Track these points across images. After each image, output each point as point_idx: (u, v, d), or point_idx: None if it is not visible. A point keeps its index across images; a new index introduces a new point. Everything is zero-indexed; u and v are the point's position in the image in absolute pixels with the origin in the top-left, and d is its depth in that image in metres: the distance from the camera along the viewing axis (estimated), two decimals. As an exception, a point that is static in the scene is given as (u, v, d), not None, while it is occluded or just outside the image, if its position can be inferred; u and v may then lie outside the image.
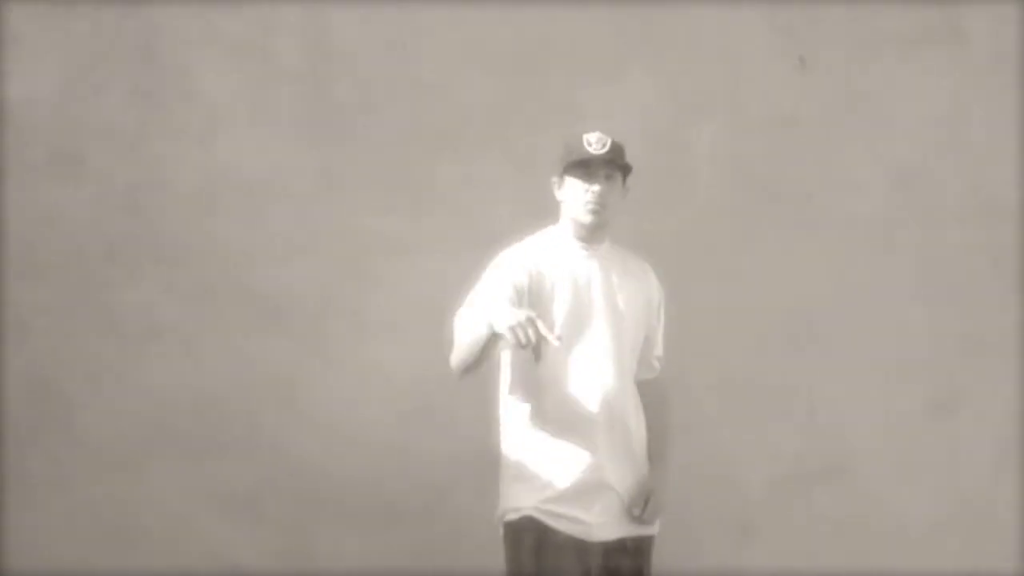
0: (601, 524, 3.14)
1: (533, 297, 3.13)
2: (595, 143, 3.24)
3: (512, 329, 2.83)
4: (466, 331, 3.05)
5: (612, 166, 3.24)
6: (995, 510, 4.32)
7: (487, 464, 3.97)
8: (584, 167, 3.22)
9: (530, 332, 2.82)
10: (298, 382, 3.98)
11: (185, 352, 3.98)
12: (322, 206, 4.02)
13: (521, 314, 2.86)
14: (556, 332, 2.95)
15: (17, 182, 3.90)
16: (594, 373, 3.18)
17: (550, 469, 3.14)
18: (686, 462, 4.09)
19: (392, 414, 3.99)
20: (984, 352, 4.33)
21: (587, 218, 3.22)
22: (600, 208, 3.22)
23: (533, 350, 2.90)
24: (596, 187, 3.21)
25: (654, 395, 3.34)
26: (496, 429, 3.26)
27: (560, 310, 3.17)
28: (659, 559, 3.75)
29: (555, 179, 3.29)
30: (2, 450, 3.91)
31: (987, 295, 4.36)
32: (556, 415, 3.16)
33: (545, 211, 4.01)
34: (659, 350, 3.40)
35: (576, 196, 3.23)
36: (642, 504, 3.21)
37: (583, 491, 3.13)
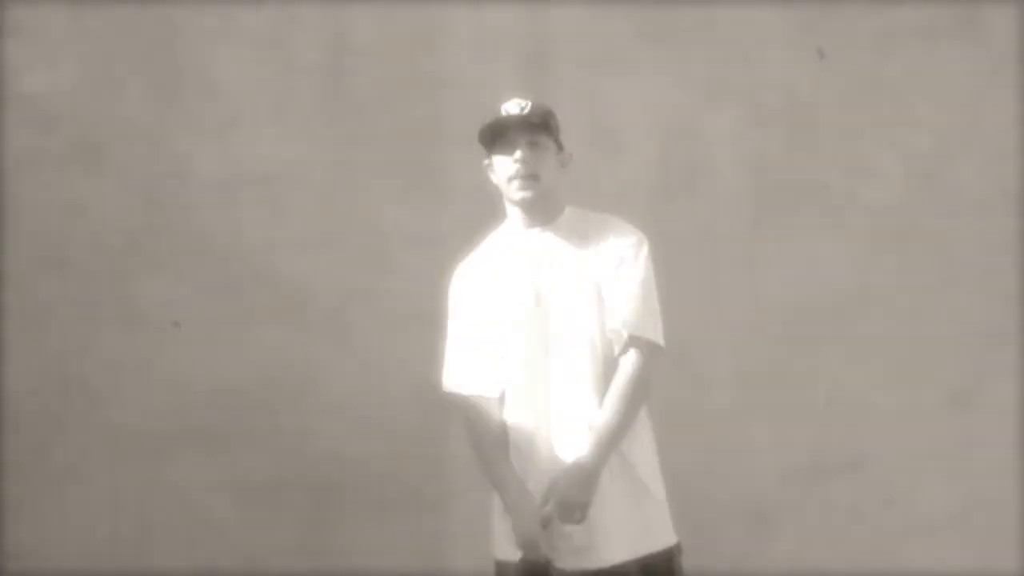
0: (560, 552, 2.74)
1: (486, 317, 2.83)
2: (510, 108, 2.81)
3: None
4: (482, 461, 2.84)
5: (535, 130, 2.77)
6: (1010, 504, 4.32)
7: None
8: (502, 136, 2.78)
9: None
10: (318, 373, 4.00)
11: (205, 343, 4.01)
12: (341, 198, 4.04)
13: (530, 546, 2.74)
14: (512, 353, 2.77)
15: (39, 175, 3.93)
16: (542, 375, 2.79)
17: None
18: (703, 454, 4.12)
19: (411, 404, 4.00)
20: (1002, 344, 4.33)
21: (518, 194, 2.79)
22: (530, 178, 2.77)
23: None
24: (518, 154, 2.76)
25: (619, 373, 2.79)
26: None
27: (510, 313, 2.81)
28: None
29: (486, 162, 2.86)
30: (24, 442, 3.95)
31: (1005, 286, 4.35)
32: (513, 428, 2.83)
33: (567, 201, 4.03)
34: (627, 315, 2.78)
35: (502, 173, 2.80)
36: (544, 500, 2.72)
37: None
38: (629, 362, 2.78)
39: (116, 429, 3.97)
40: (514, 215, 2.86)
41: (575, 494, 2.69)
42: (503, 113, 2.80)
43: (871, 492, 4.23)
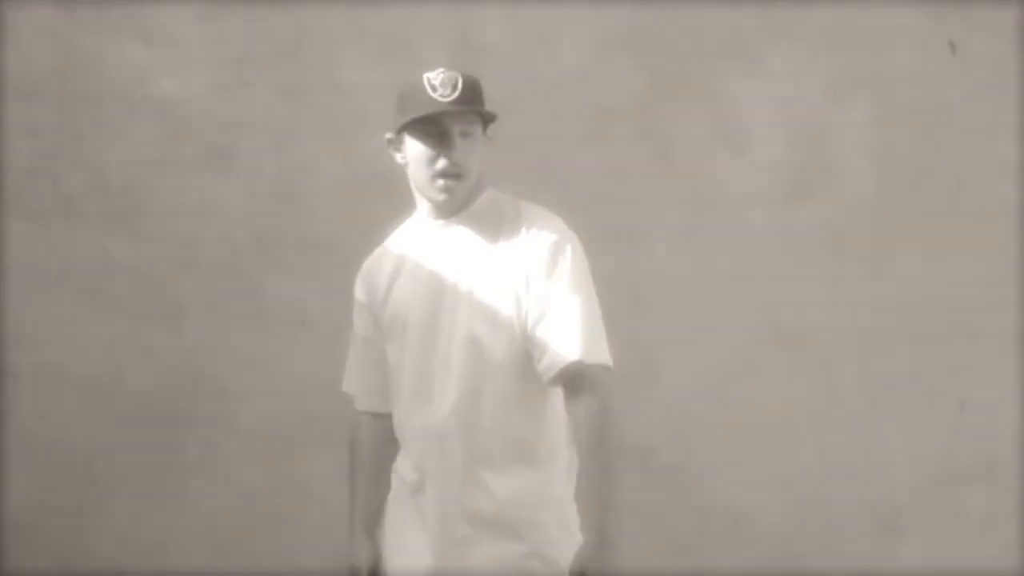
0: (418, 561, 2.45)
1: (379, 323, 2.55)
2: (441, 86, 2.38)
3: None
4: (350, 479, 2.64)
5: (471, 118, 2.39)
6: None
7: (625, 456, 3.99)
8: (432, 123, 2.38)
9: None
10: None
11: (330, 342, 4.05)
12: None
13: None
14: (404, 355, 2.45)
15: (172, 177, 4.03)
16: (428, 398, 2.42)
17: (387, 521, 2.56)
18: (829, 458, 4.06)
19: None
20: None
21: (440, 196, 2.42)
22: (456, 182, 2.39)
23: None
24: (451, 153, 2.37)
25: (577, 422, 2.34)
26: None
27: (407, 319, 2.48)
28: (803, 558, 3.68)
29: (389, 136, 2.48)
30: (156, 437, 4.05)
31: None
32: (402, 458, 2.52)
33: (693, 201, 4.00)
34: (568, 342, 2.32)
35: (423, 165, 2.41)
36: None
37: (411, 519, 2.48)
38: (585, 406, 2.31)
39: (243, 425, 4.05)
40: (423, 205, 2.50)
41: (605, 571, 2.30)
42: (428, 88, 2.38)
43: (1005, 498, 4.12)
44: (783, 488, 4.05)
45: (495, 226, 2.44)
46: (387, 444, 2.60)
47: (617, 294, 4.01)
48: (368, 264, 2.62)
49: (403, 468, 2.52)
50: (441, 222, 2.49)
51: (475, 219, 2.46)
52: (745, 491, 4.06)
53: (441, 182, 2.42)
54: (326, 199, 4.05)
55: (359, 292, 2.61)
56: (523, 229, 2.42)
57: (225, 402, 4.04)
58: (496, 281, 2.40)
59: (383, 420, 2.61)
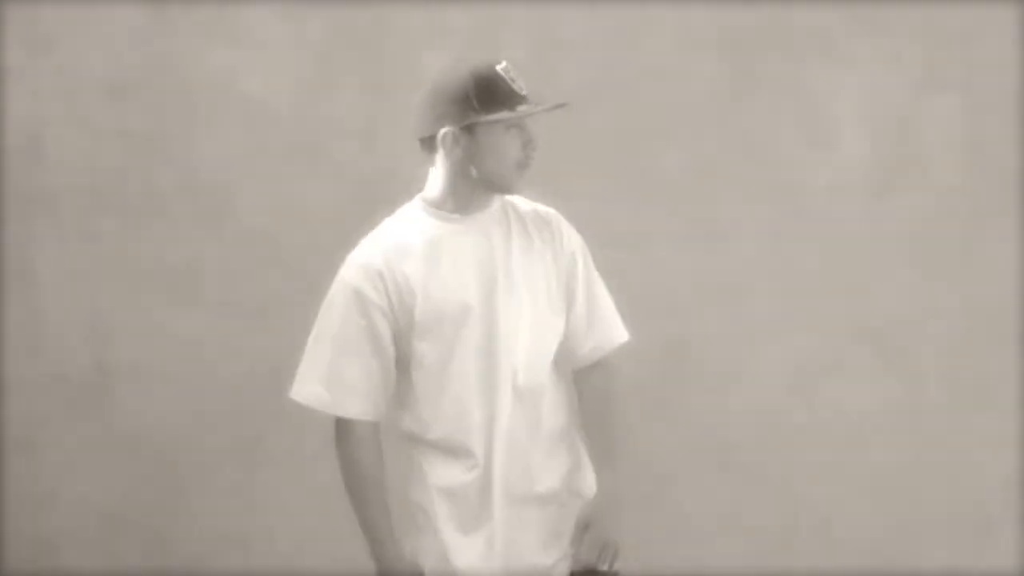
0: (486, 559, 2.45)
1: (408, 320, 2.46)
2: (519, 78, 2.43)
3: None
4: (358, 496, 2.51)
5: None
6: None
7: (710, 455, 3.98)
8: (517, 115, 2.40)
9: None
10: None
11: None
12: (550, 195, 4.05)
13: None
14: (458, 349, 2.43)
15: (261, 175, 4.09)
16: (493, 388, 2.44)
17: (436, 498, 2.49)
18: (918, 455, 4.00)
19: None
20: None
21: (519, 184, 2.48)
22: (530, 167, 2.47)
23: None
24: (535, 144, 2.46)
25: (590, 390, 2.56)
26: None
27: (454, 316, 2.45)
28: (891, 560, 3.61)
29: (447, 130, 2.41)
30: (240, 431, 4.11)
31: None
32: (440, 465, 2.49)
33: (778, 196, 3.96)
34: (608, 327, 2.56)
35: (506, 158, 2.43)
36: (579, 541, 2.43)
37: (466, 520, 2.45)
38: (611, 377, 2.58)
39: (329, 422, 4.09)
40: (452, 198, 2.49)
41: (614, 531, 2.44)
42: (510, 82, 2.41)
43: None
44: (870, 488, 4.00)
45: (520, 217, 2.53)
46: (381, 454, 2.58)
47: (701, 290, 4.02)
48: (380, 259, 2.50)
49: (448, 476, 2.49)
50: (468, 215, 2.49)
51: (503, 210, 2.52)
52: (831, 491, 4.01)
53: (523, 171, 2.48)
54: (411, 197, 4.07)
55: (367, 290, 2.49)
56: (550, 223, 2.56)
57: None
58: (542, 268, 2.51)
59: (376, 428, 2.57)
